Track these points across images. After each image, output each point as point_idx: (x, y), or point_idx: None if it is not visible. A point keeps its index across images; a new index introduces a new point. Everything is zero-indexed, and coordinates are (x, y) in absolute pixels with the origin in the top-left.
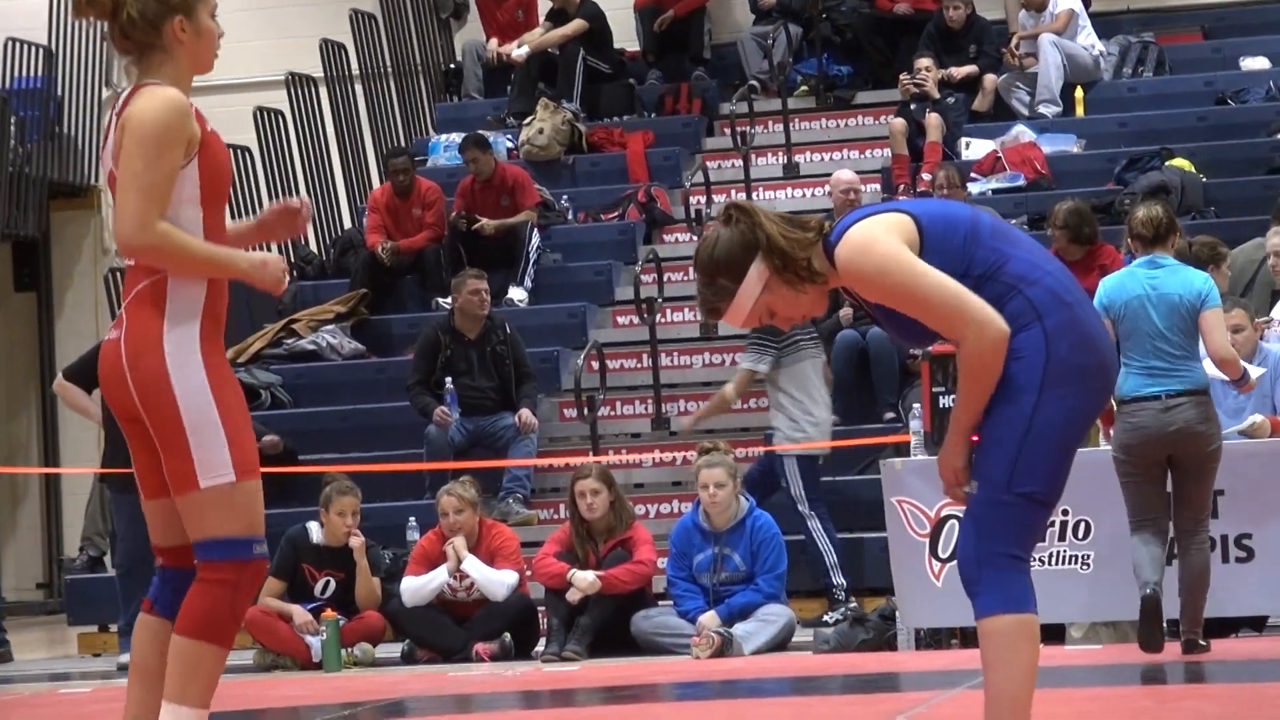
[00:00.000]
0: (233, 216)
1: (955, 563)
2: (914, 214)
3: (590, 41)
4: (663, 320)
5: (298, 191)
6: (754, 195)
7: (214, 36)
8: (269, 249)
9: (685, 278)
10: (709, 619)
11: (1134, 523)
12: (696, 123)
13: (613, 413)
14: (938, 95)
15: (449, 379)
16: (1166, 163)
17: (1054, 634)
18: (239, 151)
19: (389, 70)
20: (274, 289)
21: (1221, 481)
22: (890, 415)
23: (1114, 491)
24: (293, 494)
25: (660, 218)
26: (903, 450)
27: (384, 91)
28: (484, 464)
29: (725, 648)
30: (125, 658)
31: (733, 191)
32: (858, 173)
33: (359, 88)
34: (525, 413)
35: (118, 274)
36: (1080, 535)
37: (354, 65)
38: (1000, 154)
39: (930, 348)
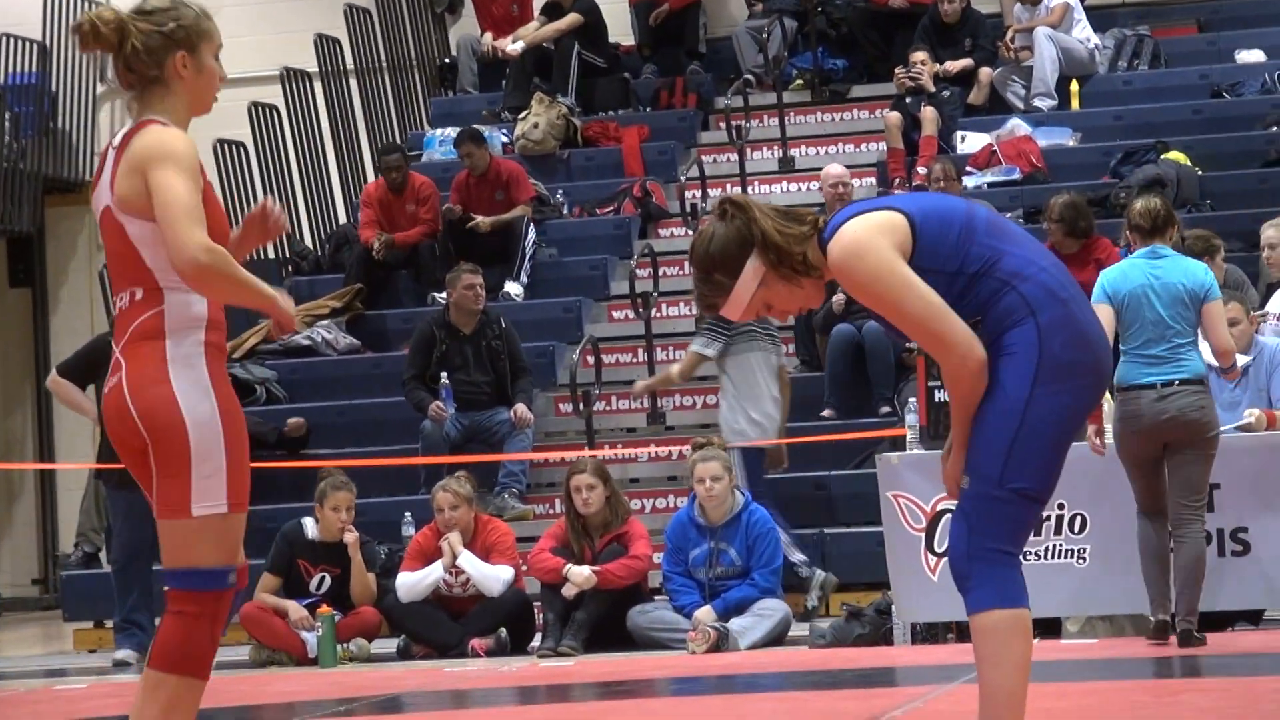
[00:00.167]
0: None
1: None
2: (908, 211)
3: (585, 36)
4: (658, 315)
5: (293, 187)
6: (749, 189)
7: (215, 78)
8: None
9: (680, 272)
10: (705, 614)
11: (1139, 510)
12: (692, 117)
13: (608, 407)
14: (933, 89)
15: (444, 374)
16: (1162, 156)
17: (1050, 628)
18: (234, 147)
19: (384, 65)
20: (288, 325)
21: (1217, 475)
22: (886, 410)
23: (1110, 486)
24: (288, 489)
25: (655, 212)
26: (898, 445)
27: (379, 86)
28: (479, 459)
29: (721, 642)
30: (120, 654)
31: (728, 186)
32: (853, 167)
33: (354, 83)
34: (520, 408)
35: None
36: (1076, 529)
37: (349, 60)
38: (996, 147)
39: None
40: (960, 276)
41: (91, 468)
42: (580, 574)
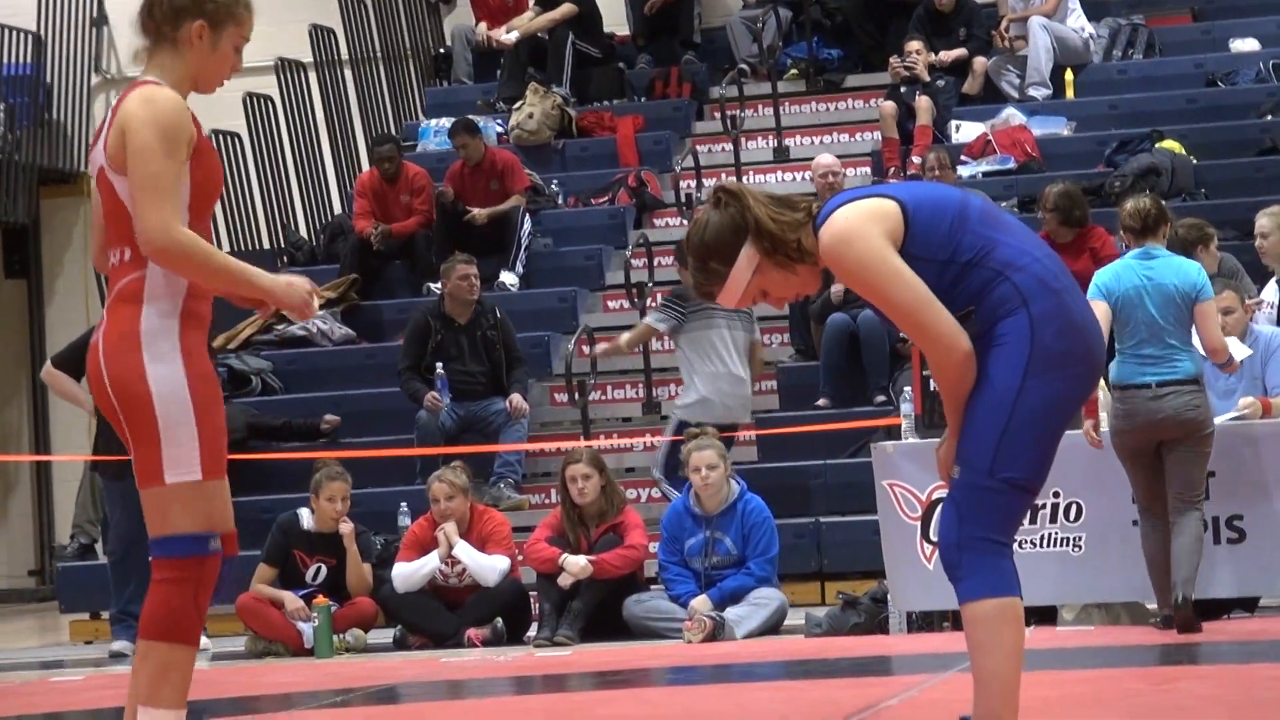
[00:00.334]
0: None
1: None
2: (901, 199)
3: (580, 25)
4: (653, 304)
5: (288, 177)
6: (744, 179)
7: (228, 64)
8: (270, 248)
9: (675, 262)
10: (701, 603)
11: (1140, 508)
12: (686, 107)
13: (603, 397)
14: (928, 78)
15: (439, 364)
16: (1157, 145)
17: (1046, 616)
18: (229, 137)
19: (378, 55)
20: (301, 312)
21: (1213, 463)
22: (881, 398)
23: (1106, 474)
24: (283, 480)
25: (650, 202)
26: (894, 433)
27: (374, 76)
28: (475, 449)
29: (717, 632)
30: (117, 645)
31: (723, 175)
32: (848, 156)
33: (348, 73)
34: (516, 398)
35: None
36: (1072, 517)
37: (343, 50)
38: (990, 137)
39: None
40: (952, 265)
41: (87, 459)
42: (576, 564)
